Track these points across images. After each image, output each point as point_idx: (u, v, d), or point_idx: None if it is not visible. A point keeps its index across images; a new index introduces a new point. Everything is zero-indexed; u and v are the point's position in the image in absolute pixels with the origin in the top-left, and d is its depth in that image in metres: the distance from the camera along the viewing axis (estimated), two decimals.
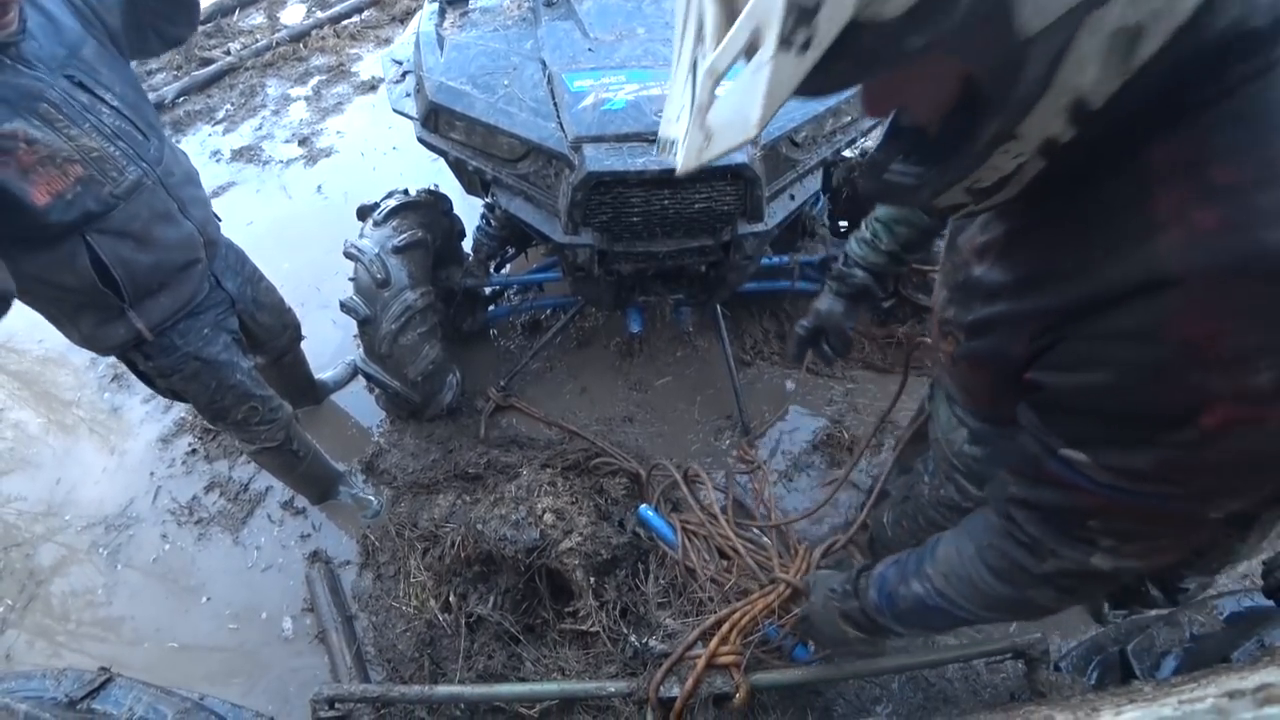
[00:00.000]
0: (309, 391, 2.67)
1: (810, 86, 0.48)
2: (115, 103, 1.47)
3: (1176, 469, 0.59)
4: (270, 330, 2.15)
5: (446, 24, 2.13)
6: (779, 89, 0.46)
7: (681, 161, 0.56)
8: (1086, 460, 0.64)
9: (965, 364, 0.84)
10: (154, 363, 1.74)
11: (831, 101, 1.98)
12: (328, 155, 4.25)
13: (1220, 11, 0.50)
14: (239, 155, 4.33)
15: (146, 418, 2.83)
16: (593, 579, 1.84)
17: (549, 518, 1.87)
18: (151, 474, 2.62)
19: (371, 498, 2.38)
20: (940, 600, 0.90)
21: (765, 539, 1.88)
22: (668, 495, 2.07)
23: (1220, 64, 0.52)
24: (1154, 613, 1.85)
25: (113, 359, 1.76)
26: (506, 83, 1.93)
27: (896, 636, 1.11)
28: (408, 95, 2.19)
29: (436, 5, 2.22)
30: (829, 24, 0.43)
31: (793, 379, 2.70)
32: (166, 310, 1.67)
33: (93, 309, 1.58)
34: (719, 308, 2.45)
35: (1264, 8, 0.51)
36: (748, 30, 0.46)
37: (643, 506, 1.84)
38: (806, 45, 0.44)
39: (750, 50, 0.46)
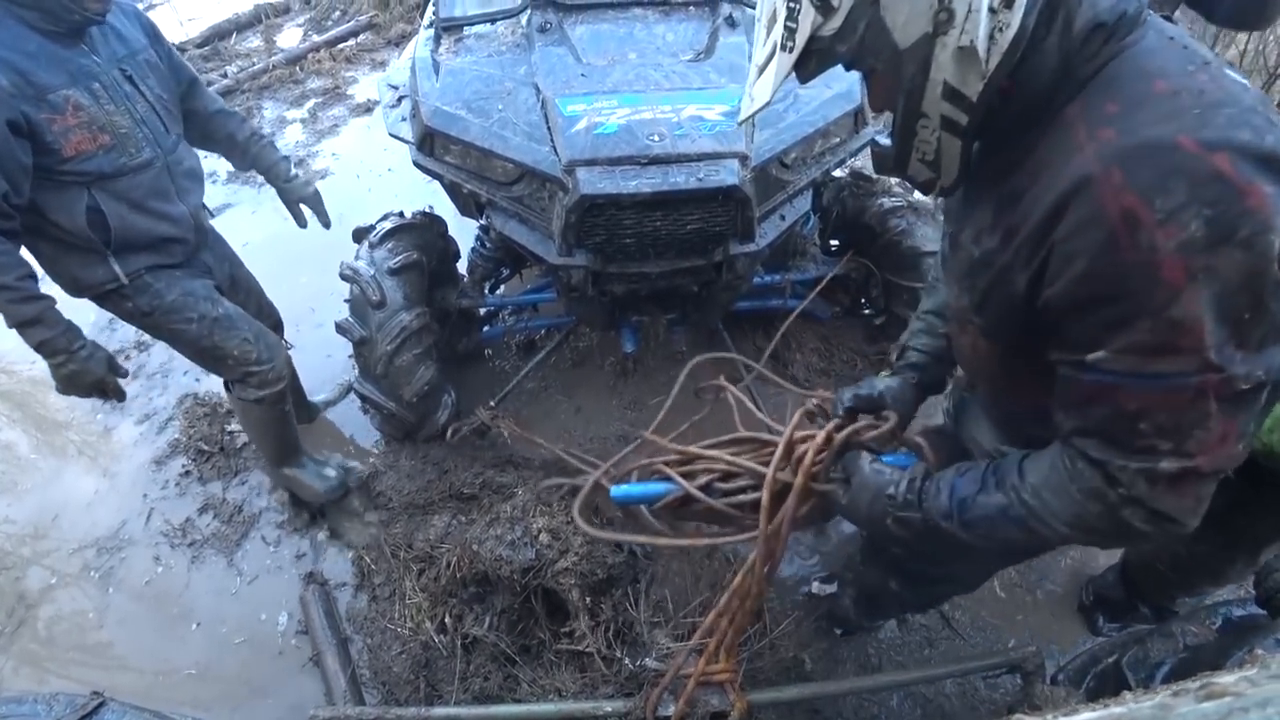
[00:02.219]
0: (298, 408, 2.67)
1: (800, 74, 0.85)
2: (151, 98, 1.80)
3: (1173, 330, 0.70)
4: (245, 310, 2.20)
5: (442, 50, 2.17)
6: (780, 74, 0.84)
7: (740, 115, 0.93)
8: (1107, 355, 0.75)
9: (985, 345, 0.98)
10: (133, 302, 1.88)
11: (820, 124, 2.02)
12: (323, 177, 4.29)
13: (1080, 16, 0.74)
14: (235, 176, 4.36)
15: (140, 439, 2.82)
16: (588, 598, 1.84)
17: (544, 537, 1.87)
18: (144, 496, 2.61)
19: (331, 471, 2.41)
20: (1023, 512, 0.90)
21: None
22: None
23: (1091, 50, 0.76)
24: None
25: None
26: (501, 107, 1.96)
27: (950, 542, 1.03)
28: (404, 120, 2.23)
29: (432, 31, 2.26)
30: (801, 37, 0.80)
31: (787, 396, 2.71)
32: (146, 263, 1.87)
33: (79, 251, 1.77)
34: (720, 327, 2.47)
35: (1105, 7, 0.74)
36: (769, 41, 0.83)
37: (613, 488, 1.35)
38: (791, 48, 0.81)
39: (771, 54, 0.83)
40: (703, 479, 1.26)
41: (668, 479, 1.28)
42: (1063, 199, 0.74)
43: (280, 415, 2.23)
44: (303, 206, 2.23)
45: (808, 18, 0.78)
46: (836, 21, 0.78)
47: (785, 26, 0.80)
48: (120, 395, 1.86)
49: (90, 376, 1.75)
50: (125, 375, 1.86)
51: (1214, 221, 0.65)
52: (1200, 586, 1.86)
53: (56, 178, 1.65)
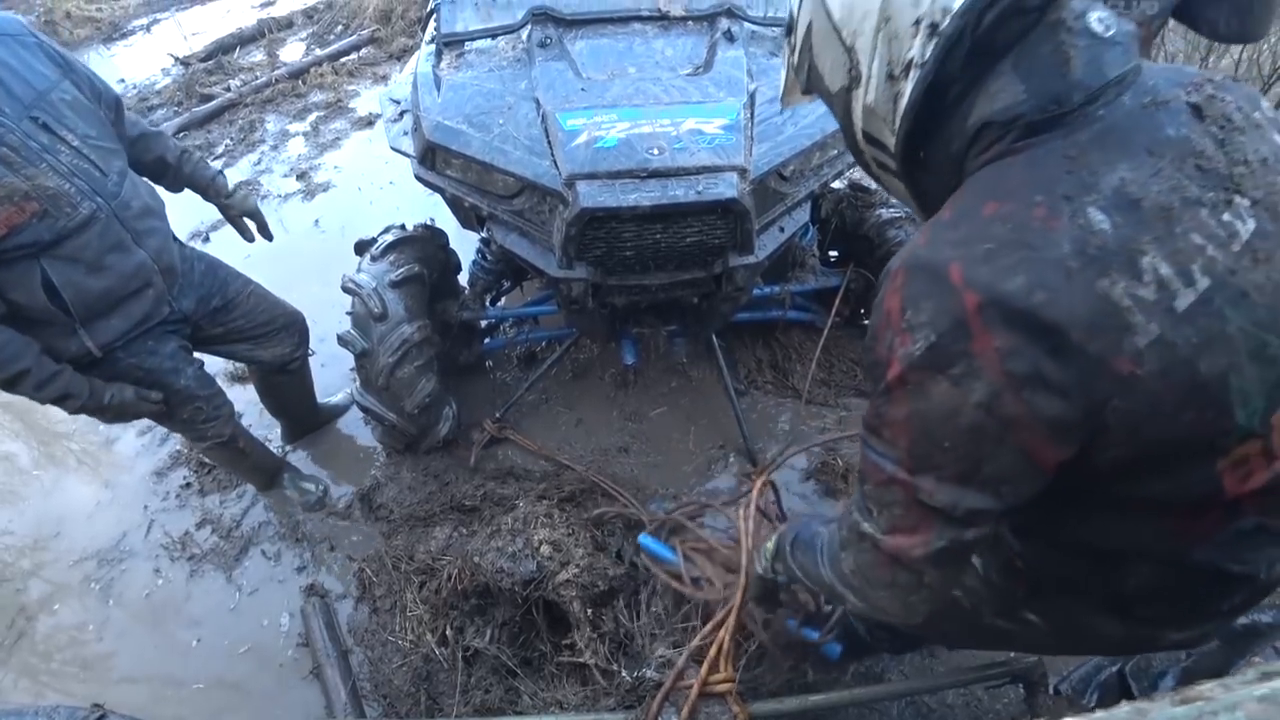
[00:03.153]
0: (307, 414, 2.71)
1: (801, 85, 0.94)
2: (75, 143, 1.59)
3: (881, 419, 0.76)
4: (243, 332, 2.18)
5: (443, 65, 2.19)
6: (783, 83, 1.01)
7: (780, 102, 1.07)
8: (864, 415, 0.82)
9: None
10: (100, 372, 1.83)
11: (818, 137, 2.04)
12: (325, 189, 4.31)
13: (975, 110, 0.75)
14: (238, 189, 4.39)
15: (142, 451, 2.83)
16: (590, 610, 1.84)
17: (545, 549, 1.88)
18: (145, 507, 2.62)
19: (310, 486, 2.52)
20: (825, 544, 1.00)
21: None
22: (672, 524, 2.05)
23: (980, 145, 0.77)
24: None
25: None
26: (502, 121, 1.98)
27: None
28: (405, 134, 2.25)
29: (433, 46, 2.28)
30: (791, 65, 0.94)
31: (788, 407, 2.72)
32: (117, 330, 1.80)
33: (46, 325, 1.68)
34: (714, 338, 2.48)
35: (1000, 108, 0.73)
36: (789, 58, 0.96)
37: (643, 535, 1.85)
38: (794, 68, 0.93)
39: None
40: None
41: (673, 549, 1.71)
42: (882, 275, 0.79)
43: (236, 453, 2.30)
44: (246, 220, 2.16)
45: (788, 50, 0.95)
46: (794, 57, 0.91)
47: (791, 60, 0.94)
48: (158, 405, 1.95)
49: (127, 414, 1.89)
50: (158, 400, 1.94)
51: (935, 349, 0.68)
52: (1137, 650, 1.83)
53: (2, 257, 1.52)
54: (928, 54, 0.71)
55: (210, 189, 2.07)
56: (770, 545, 1.30)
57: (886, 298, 0.74)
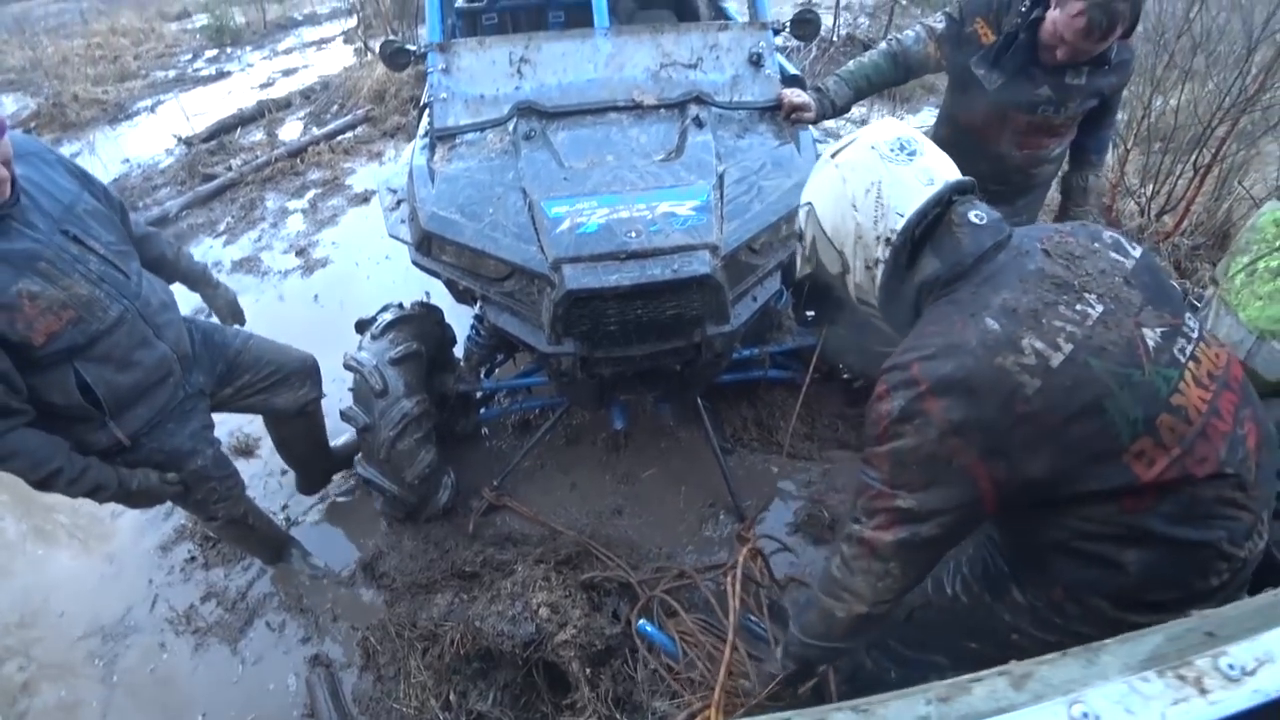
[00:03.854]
0: (322, 460, 2.80)
1: (811, 268, 1.38)
2: (102, 250, 1.72)
3: (872, 454, 1.12)
4: (254, 386, 2.30)
5: (437, 157, 2.35)
6: (799, 265, 1.43)
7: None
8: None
9: None
10: (123, 459, 1.93)
11: (784, 211, 2.18)
12: (324, 265, 4.44)
13: (917, 274, 1.19)
14: (239, 266, 4.53)
15: (147, 524, 2.86)
16: (588, 669, 1.92)
17: (544, 611, 1.96)
18: (150, 582, 2.65)
19: (317, 560, 2.63)
20: (826, 577, 1.28)
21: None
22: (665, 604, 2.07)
23: (924, 295, 1.19)
24: None
25: None
26: (492, 210, 2.12)
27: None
28: (403, 222, 2.40)
29: (427, 139, 2.44)
30: (802, 256, 1.38)
31: (774, 463, 2.83)
32: (143, 419, 1.90)
33: (79, 421, 1.79)
34: (699, 400, 2.60)
35: (929, 274, 1.16)
36: (800, 252, 1.40)
37: (641, 621, 1.91)
38: (805, 259, 1.38)
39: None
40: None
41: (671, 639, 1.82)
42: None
43: (244, 529, 2.38)
44: (224, 308, 2.36)
45: (799, 248, 1.38)
46: (804, 252, 1.36)
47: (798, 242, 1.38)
48: (178, 490, 2.05)
49: (152, 499, 1.98)
50: (177, 482, 2.03)
51: (904, 410, 1.06)
52: None
53: (38, 364, 1.62)
54: (886, 254, 1.20)
55: (201, 280, 2.29)
56: (779, 650, 1.49)
57: (878, 386, 1.12)
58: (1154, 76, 3.75)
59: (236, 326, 2.34)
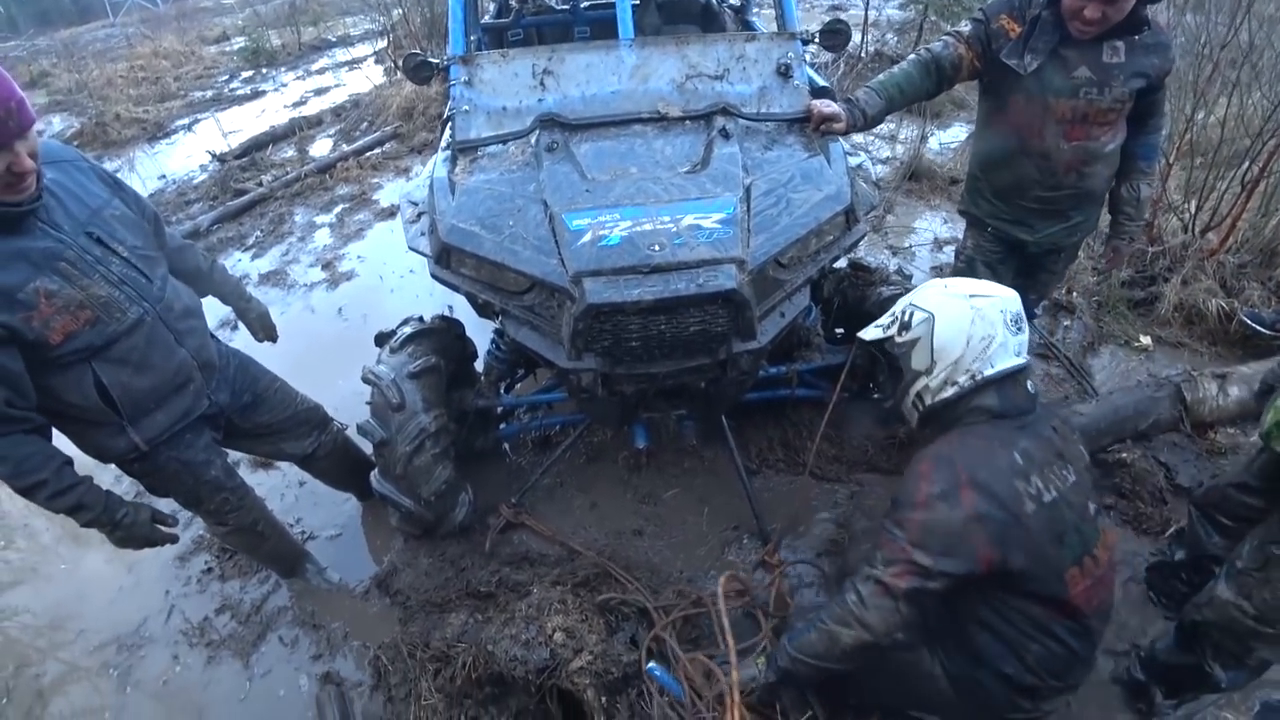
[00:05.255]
0: (364, 480, 2.73)
1: (892, 350, 1.70)
2: (125, 254, 1.74)
3: (904, 518, 1.46)
4: (270, 427, 2.30)
5: (458, 170, 2.31)
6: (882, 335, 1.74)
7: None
8: (887, 519, 1.53)
9: None
10: (140, 466, 1.94)
11: (812, 225, 2.12)
12: (349, 279, 4.49)
13: (977, 398, 1.57)
14: (266, 279, 4.59)
15: None
16: (604, 698, 1.84)
17: (559, 636, 1.88)
18: (167, 592, 2.66)
19: (333, 574, 2.63)
20: (831, 614, 1.57)
21: None
22: (677, 634, 2.04)
23: (966, 415, 1.58)
24: (1211, 696, 1.82)
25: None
26: (512, 223, 2.07)
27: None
28: (423, 235, 2.37)
29: (448, 152, 2.42)
30: (893, 338, 1.69)
31: (800, 484, 2.73)
32: (162, 426, 1.89)
33: (98, 425, 1.79)
34: (724, 419, 2.52)
35: (1001, 403, 1.55)
36: (895, 334, 1.71)
37: (651, 664, 1.86)
38: (894, 343, 1.70)
39: (889, 323, 1.74)
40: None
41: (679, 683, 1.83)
42: (915, 458, 1.54)
43: (256, 537, 2.37)
44: (256, 321, 2.39)
45: (893, 329, 1.68)
46: (899, 338, 1.65)
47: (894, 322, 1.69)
48: (172, 541, 2.01)
49: (139, 538, 1.90)
50: (175, 525, 2.00)
51: (943, 493, 1.42)
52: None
53: (56, 363, 1.62)
54: (965, 383, 1.56)
55: (235, 293, 2.33)
56: (762, 659, 1.75)
57: (921, 466, 1.48)
58: (1196, 88, 3.63)
59: (272, 375, 2.35)
